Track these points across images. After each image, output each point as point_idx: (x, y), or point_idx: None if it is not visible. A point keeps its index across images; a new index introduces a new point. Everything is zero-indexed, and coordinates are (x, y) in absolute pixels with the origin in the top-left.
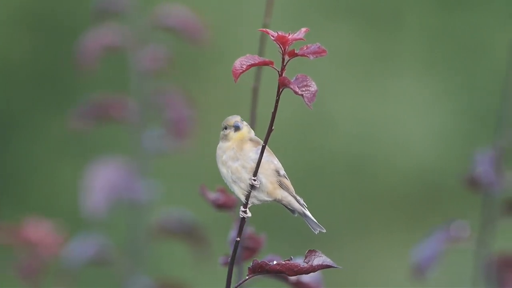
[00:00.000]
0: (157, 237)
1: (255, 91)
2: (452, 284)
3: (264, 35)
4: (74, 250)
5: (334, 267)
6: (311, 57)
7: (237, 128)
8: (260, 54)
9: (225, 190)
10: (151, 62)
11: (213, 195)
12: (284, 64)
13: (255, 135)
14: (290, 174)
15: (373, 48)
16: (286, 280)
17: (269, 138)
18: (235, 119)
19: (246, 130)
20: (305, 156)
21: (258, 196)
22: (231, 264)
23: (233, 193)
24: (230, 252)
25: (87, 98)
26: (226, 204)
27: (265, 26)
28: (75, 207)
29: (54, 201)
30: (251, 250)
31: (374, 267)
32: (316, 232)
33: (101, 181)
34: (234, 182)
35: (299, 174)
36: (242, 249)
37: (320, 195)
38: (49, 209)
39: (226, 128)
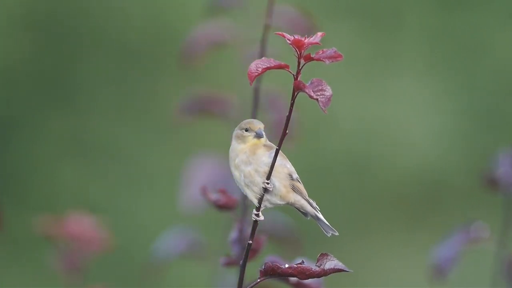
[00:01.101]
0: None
1: (256, 92)
2: (472, 285)
3: (265, 36)
4: (166, 243)
5: (346, 271)
6: (327, 62)
7: (259, 136)
8: (261, 55)
9: (226, 191)
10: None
11: (214, 196)
12: (300, 68)
13: None
14: None
15: (373, 48)
16: (287, 280)
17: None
18: (259, 125)
19: (264, 138)
20: (306, 156)
21: (271, 200)
22: (243, 266)
23: (246, 196)
24: (231, 252)
25: (192, 92)
26: (227, 205)
27: (267, 27)
28: (75, 206)
29: (54, 201)
30: (252, 251)
31: (374, 267)
32: (329, 235)
33: (200, 176)
34: (247, 185)
35: (299, 174)
36: (242, 250)
37: (321, 195)
38: (49, 209)
39: (246, 130)
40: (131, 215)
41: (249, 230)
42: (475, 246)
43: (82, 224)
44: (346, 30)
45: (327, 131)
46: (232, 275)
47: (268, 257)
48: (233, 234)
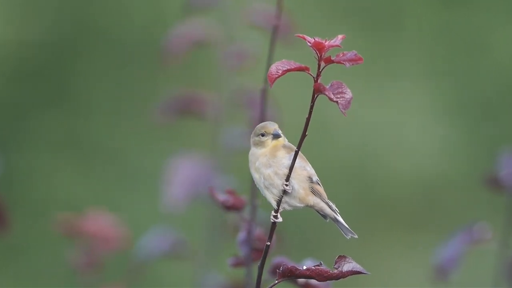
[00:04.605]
0: (232, 234)
1: (263, 93)
2: (474, 285)
3: (273, 38)
4: (149, 243)
5: (364, 273)
6: (347, 65)
7: (276, 136)
8: (270, 59)
9: (234, 192)
10: (237, 59)
11: (222, 196)
12: (320, 70)
13: None
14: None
15: (372, 50)
16: (295, 282)
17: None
18: (274, 126)
19: (282, 137)
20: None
21: (289, 202)
22: (260, 268)
23: (265, 198)
24: (240, 252)
25: (171, 92)
26: (235, 206)
27: (275, 28)
28: (74, 206)
29: (54, 201)
30: (258, 252)
31: (376, 268)
32: (348, 237)
33: (181, 175)
34: (267, 188)
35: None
36: (251, 250)
37: None
38: (48, 209)
39: (263, 135)
40: (129, 216)
41: (260, 231)
42: (477, 247)
43: (100, 223)
44: (345, 31)
45: (326, 135)
46: (213, 275)
47: (276, 258)
48: (241, 235)
